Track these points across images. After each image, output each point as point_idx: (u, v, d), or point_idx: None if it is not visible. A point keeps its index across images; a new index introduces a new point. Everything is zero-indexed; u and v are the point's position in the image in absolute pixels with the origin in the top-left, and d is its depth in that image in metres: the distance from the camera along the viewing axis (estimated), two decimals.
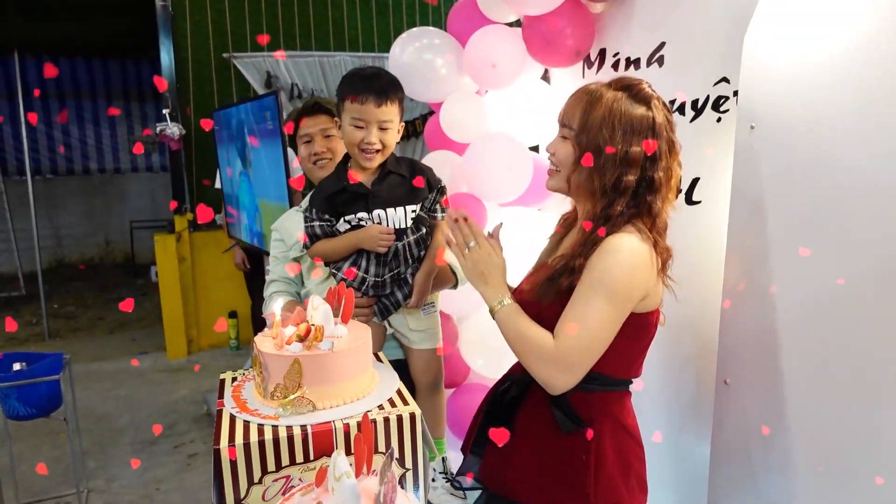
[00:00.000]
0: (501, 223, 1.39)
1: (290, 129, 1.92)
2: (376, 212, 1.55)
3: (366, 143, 1.51)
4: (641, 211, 1.21)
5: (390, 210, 1.55)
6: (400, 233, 1.56)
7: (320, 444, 1.01)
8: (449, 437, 2.01)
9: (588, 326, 1.15)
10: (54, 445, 3.42)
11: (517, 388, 1.32)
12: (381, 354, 1.35)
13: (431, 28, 2.30)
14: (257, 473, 0.99)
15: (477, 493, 1.38)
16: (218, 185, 3.84)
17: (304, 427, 1.01)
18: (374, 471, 0.86)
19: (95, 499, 2.95)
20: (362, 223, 1.55)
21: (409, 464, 1.08)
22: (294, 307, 1.19)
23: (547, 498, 1.25)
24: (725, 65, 1.54)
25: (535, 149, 2.26)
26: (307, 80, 4.97)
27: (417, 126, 4.92)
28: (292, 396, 1.04)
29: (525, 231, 2.03)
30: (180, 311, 4.95)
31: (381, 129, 1.51)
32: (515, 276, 1.39)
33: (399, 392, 1.14)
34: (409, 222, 1.58)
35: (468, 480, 1.40)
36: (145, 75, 8.14)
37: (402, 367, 1.67)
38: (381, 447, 1.04)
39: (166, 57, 4.89)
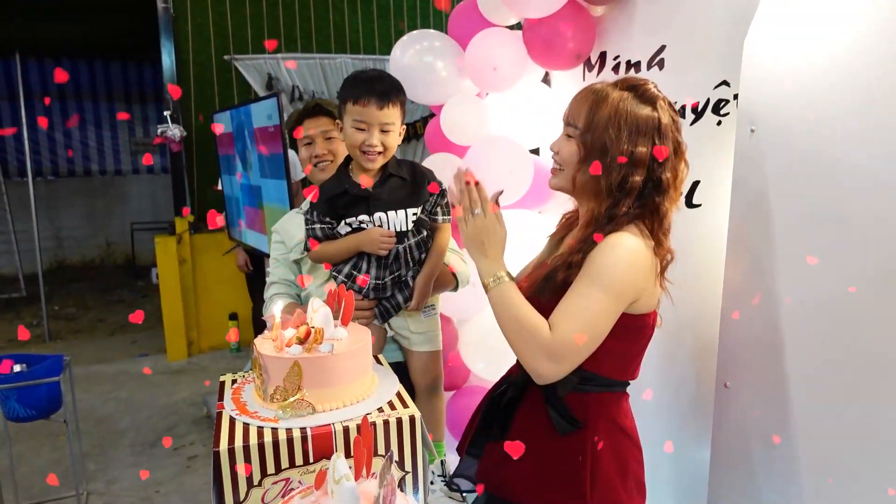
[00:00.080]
0: (502, 190, 1.34)
1: (300, 133, 1.89)
2: (377, 214, 1.55)
3: (367, 146, 1.51)
4: (645, 212, 1.21)
5: (391, 213, 1.56)
6: (401, 235, 1.56)
7: (320, 446, 1.01)
8: (449, 440, 2.01)
9: (584, 317, 1.15)
10: (54, 447, 3.42)
11: (514, 390, 1.32)
12: (380, 357, 1.35)
13: (432, 31, 2.30)
14: (257, 476, 0.99)
15: (475, 496, 1.38)
16: (219, 186, 3.84)
17: (303, 429, 1.01)
18: (373, 473, 0.86)
19: (95, 501, 2.95)
20: (363, 226, 1.55)
21: (408, 467, 1.07)
22: (294, 309, 1.19)
23: (544, 499, 1.25)
24: (725, 68, 1.55)
25: (536, 151, 2.26)
26: (308, 82, 4.98)
27: (418, 128, 4.92)
28: (292, 399, 1.04)
29: (525, 234, 2.03)
30: (181, 313, 4.96)
31: (383, 131, 1.52)
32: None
33: (399, 395, 1.14)
34: (410, 225, 1.58)
35: (466, 483, 1.40)
36: (147, 77, 8.16)
37: (401, 370, 1.66)
38: (381, 450, 1.04)
39: (167, 59, 4.90)
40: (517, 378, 1.32)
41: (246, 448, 0.98)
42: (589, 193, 1.26)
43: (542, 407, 1.25)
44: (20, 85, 5.54)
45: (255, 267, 4.09)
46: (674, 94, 1.64)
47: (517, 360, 1.29)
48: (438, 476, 1.47)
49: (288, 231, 1.79)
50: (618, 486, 1.24)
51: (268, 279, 1.82)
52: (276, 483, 1.00)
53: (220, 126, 3.25)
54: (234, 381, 1.23)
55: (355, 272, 1.57)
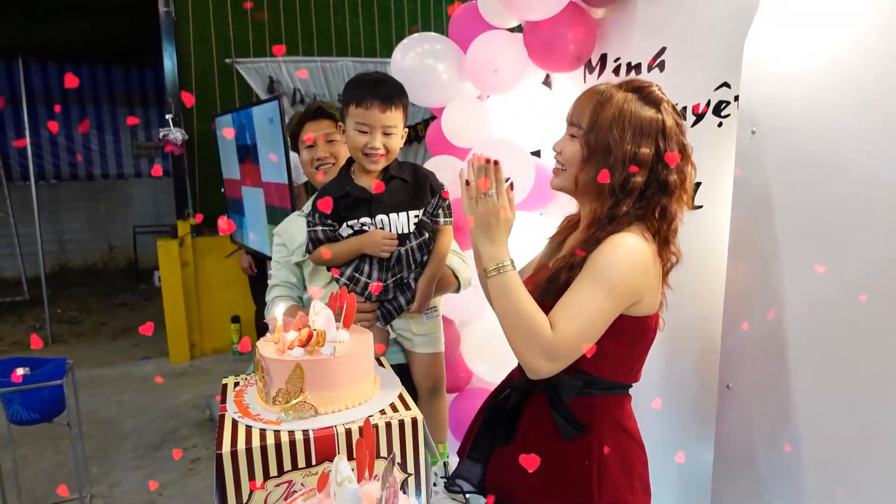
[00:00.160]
0: (511, 181, 1.32)
1: (310, 136, 1.88)
2: (379, 217, 1.55)
3: (370, 148, 1.51)
4: (648, 213, 1.21)
5: (393, 215, 1.56)
6: (403, 238, 1.57)
7: (322, 448, 1.01)
8: (451, 442, 2.01)
9: (582, 314, 1.14)
10: (57, 450, 3.42)
11: (517, 395, 1.32)
12: (382, 359, 1.35)
13: (433, 33, 2.30)
14: (259, 478, 0.99)
15: (475, 497, 1.38)
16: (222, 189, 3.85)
17: (305, 432, 1.01)
18: (375, 476, 0.86)
19: None
20: (365, 228, 1.56)
21: (410, 469, 1.08)
22: (296, 312, 1.19)
23: (551, 503, 1.25)
24: (726, 70, 1.55)
25: (537, 153, 2.26)
26: (309, 85, 4.99)
27: (419, 131, 4.92)
28: (294, 401, 1.04)
29: (526, 236, 2.03)
30: (183, 315, 4.96)
31: (386, 134, 1.52)
32: None
33: (401, 397, 1.14)
34: (412, 227, 1.58)
35: (467, 484, 1.39)
36: (149, 81, 8.17)
37: (403, 372, 1.67)
38: (383, 452, 1.04)
39: (169, 63, 4.91)
40: (520, 382, 1.31)
41: (248, 450, 0.98)
42: (591, 194, 1.26)
43: (546, 412, 1.25)
44: (23, 89, 5.55)
45: (260, 270, 4.10)
46: (674, 95, 1.63)
47: (518, 364, 1.29)
48: (441, 478, 1.47)
49: (289, 233, 1.79)
50: (624, 488, 1.24)
51: (269, 282, 1.82)
52: (278, 485, 1.00)
53: (232, 131, 3.24)
54: (236, 384, 1.23)
55: (357, 274, 1.57)
